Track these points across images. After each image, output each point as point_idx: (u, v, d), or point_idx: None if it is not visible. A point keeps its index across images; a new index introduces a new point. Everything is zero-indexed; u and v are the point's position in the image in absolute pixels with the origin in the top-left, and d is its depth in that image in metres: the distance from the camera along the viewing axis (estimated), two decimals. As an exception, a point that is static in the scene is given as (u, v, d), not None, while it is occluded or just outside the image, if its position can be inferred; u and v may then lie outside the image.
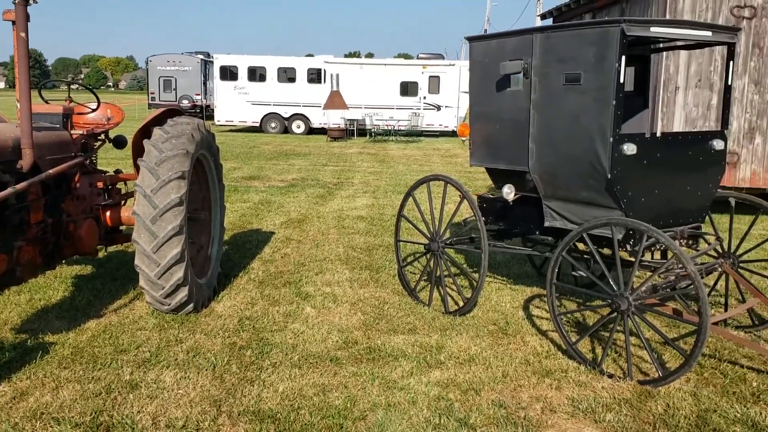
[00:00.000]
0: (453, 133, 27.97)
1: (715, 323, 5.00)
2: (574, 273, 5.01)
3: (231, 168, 15.86)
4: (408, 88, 27.92)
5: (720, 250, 5.27)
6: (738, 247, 5.23)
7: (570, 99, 4.70)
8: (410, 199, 5.99)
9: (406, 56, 34.15)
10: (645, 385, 4.15)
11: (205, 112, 36.31)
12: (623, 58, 4.34)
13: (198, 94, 38.54)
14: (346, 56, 41.13)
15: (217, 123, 29.27)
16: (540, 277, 6.62)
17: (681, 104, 9.02)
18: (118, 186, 6.26)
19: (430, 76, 27.56)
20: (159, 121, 5.69)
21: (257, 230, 8.83)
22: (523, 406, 3.96)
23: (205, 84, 38.02)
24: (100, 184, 5.86)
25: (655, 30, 4.46)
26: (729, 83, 5.02)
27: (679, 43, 5.55)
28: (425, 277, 6.20)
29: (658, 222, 4.78)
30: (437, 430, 3.68)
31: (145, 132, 5.66)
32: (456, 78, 27.33)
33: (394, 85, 27.75)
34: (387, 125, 27.23)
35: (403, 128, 27.26)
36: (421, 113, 27.60)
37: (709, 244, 5.22)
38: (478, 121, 5.62)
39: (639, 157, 4.53)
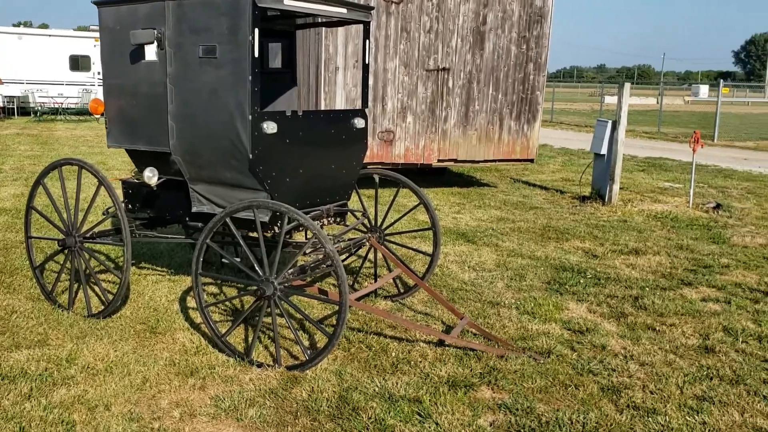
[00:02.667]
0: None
1: (366, 296, 5.17)
2: (224, 260, 4.73)
3: None
4: (79, 63, 25.23)
5: (369, 225, 5.45)
6: (383, 220, 5.45)
7: (207, 73, 4.36)
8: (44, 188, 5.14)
9: (86, 29, 30.65)
10: (293, 370, 4.05)
11: None
12: (257, 30, 4.12)
13: None
14: (14, 26, 35.53)
15: None
16: (205, 265, 6.24)
17: (341, 84, 9.34)
18: None
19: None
20: None
21: None
22: (159, 415, 3.56)
23: None
24: None
25: (289, 3, 4.31)
26: (366, 62, 5.14)
27: (321, 20, 5.56)
28: (68, 278, 5.41)
29: (304, 201, 4.73)
30: (47, 464, 3.10)
31: None
32: None
33: (62, 59, 24.83)
34: (54, 103, 24.29)
35: (73, 106, 24.57)
36: (95, 90, 25.16)
37: (357, 219, 5.36)
38: (112, 96, 4.99)
39: (281, 136, 4.38)
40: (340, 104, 9.38)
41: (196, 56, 4.38)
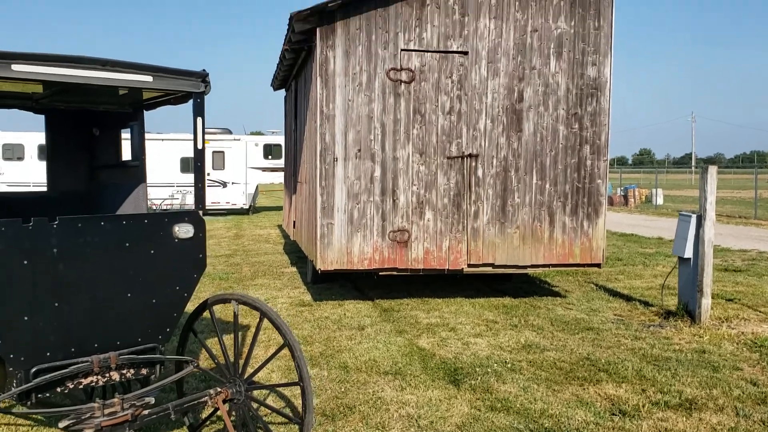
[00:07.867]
0: (243, 211, 26.65)
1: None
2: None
3: None
4: (190, 164, 26.14)
5: (227, 374, 3.85)
6: (244, 366, 3.81)
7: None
8: None
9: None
10: None
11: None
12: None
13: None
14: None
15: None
16: None
17: (341, 177, 7.93)
18: None
19: (214, 152, 26.02)
20: None
21: None
22: None
23: None
24: None
25: (19, 68, 3.03)
26: (199, 146, 3.69)
27: (160, 98, 4.20)
28: None
29: (66, 349, 3.25)
30: None
31: None
32: (242, 153, 26.17)
33: (173, 161, 25.85)
34: (166, 205, 25.11)
35: (187, 206, 25.30)
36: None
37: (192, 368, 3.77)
38: None
39: (8, 254, 3.00)
40: (341, 200, 7.94)
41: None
